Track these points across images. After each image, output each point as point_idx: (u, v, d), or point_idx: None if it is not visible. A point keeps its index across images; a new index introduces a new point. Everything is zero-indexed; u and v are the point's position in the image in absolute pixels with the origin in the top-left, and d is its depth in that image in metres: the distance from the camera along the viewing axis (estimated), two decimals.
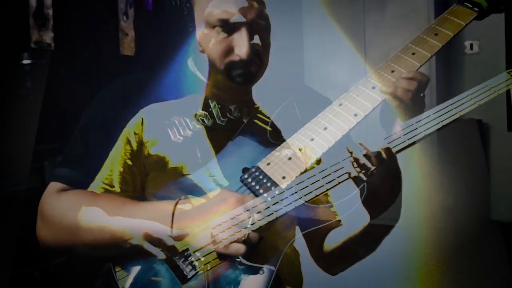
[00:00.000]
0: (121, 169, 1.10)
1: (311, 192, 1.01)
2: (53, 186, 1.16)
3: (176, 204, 1.03)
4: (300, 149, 1.05)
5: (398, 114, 1.03)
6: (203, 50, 1.12)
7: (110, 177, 1.11)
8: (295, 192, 1.00)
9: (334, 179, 1.00)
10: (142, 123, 1.10)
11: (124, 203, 1.10)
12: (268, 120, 1.12)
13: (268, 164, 1.05)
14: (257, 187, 1.02)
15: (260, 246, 1.02)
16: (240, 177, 1.04)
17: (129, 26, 2.10)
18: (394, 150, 0.99)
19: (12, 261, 1.62)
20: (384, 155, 0.98)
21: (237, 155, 1.10)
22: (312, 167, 1.12)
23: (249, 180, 1.04)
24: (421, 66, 1.06)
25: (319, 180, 1.02)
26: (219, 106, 1.15)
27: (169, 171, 1.08)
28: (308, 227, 1.19)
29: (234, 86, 1.12)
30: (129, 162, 1.10)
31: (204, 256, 1.00)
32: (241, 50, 1.08)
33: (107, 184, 1.10)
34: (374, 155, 0.97)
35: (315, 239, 1.21)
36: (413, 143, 1.02)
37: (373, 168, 0.97)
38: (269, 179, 1.03)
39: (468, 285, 2.28)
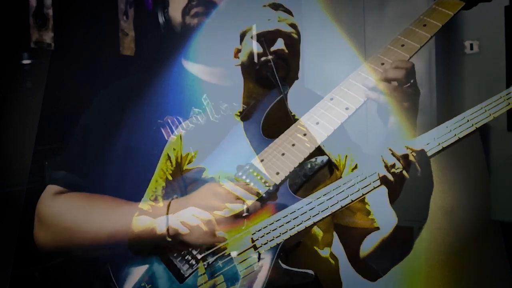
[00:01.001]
0: (164, 184, 1.13)
1: (347, 197, 1.01)
2: (50, 189, 1.17)
3: (169, 204, 1.05)
4: (293, 145, 1.05)
5: (393, 106, 1.02)
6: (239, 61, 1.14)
7: (155, 193, 1.13)
8: (330, 198, 1.01)
9: (370, 183, 1.01)
10: (180, 138, 1.13)
11: (119, 204, 1.11)
12: (303, 129, 1.13)
13: (262, 160, 1.06)
14: (252, 183, 1.03)
15: (298, 250, 1.03)
16: (235, 174, 1.05)
17: (129, 26, 2.10)
18: (428, 153, 0.99)
19: (12, 261, 1.62)
20: (414, 156, 0.98)
21: (230, 153, 1.10)
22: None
23: (243, 177, 1.05)
24: (410, 57, 1.06)
25: (354, 184, 1.02)
26: (212, 103, 1.16)
27: (206, 181, 1.10)
28: (346, 233, 1.20)
29: (267, 92, 1.13)
30: (170, 178, 1.13)
31: (244, 260, 1.00)
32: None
33: (153, 200, 1.12)
34: (403, 157, 0.97)
35: (352, 245, 1.22)
36: (448, 146, 1.01)
37: (401, 168, 0.97)
38: (264, 175, 1.04)
39: (468, 285, 2.28)
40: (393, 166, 0.97)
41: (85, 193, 1.15)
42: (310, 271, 1.00)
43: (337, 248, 1.25)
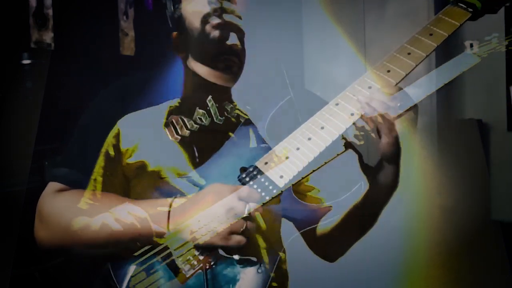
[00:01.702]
0: (103, 182, 1.12)
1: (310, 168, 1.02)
2: (52, 186, 1.17)
3: (171, 203, 1.04)
4: (297, 149, 1.05)
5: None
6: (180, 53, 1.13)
7: (94, 191, 1.12)
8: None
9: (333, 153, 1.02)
10: (118, 134, 1.13)
11: (121, 202, 1.11)
12: (246, 116, 1.13)
13: (266, 163, 1.06)
14: (255, 186, 1.03)
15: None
16: (238, 176, 1.05)
17: (129, 26, 2.10)
18: (392, 115, 1.00)
19: (12, 261, 1.62)
20: (380, 119, 0.99)
21: (232, 155, 1.11)
22: None
23: (247, 179, 1.05)
24: (416, 65, 1.07)
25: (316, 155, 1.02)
26: (217, 105, 1.16)
27: (148, 175, 1.10)
28: (298, 220, 1.19)
29: (213, 86, 1.14)
30: (109, 174, 1.12)
31: (184, 253, 1.01)
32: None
33: (91, 199, 1.11)
34: (370, 119, 0.98)
35: (307, 229, 1.21)
36: (410, 108, 1.03)
37: (369, 129, 0.98)
38: (267, 178, 1.04)
39: (468, 285, 2.28)
40: (362, 128, 0.99)
41: (88, 190, 1.16)
42: (253, 258, 1.00)
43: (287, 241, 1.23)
